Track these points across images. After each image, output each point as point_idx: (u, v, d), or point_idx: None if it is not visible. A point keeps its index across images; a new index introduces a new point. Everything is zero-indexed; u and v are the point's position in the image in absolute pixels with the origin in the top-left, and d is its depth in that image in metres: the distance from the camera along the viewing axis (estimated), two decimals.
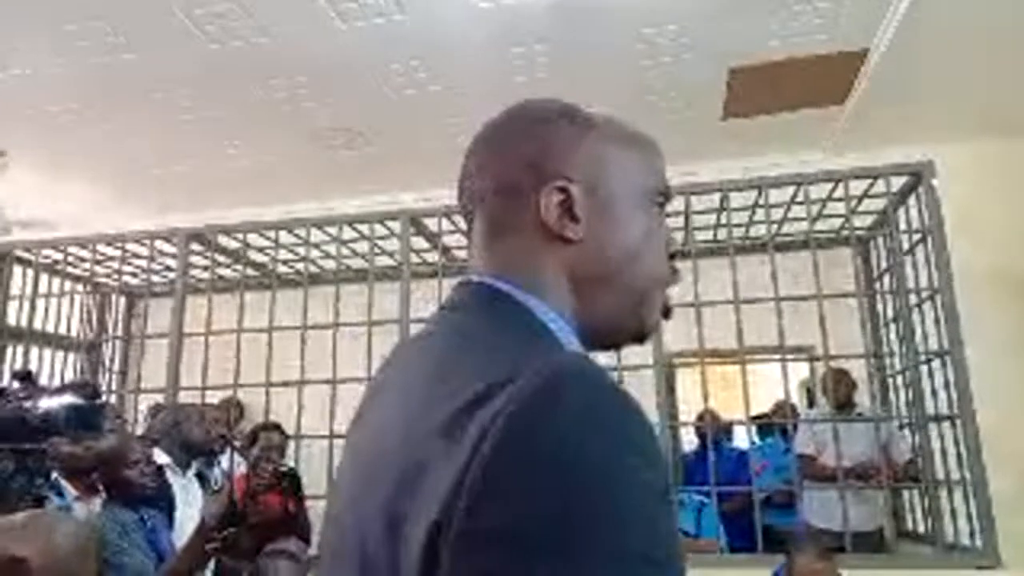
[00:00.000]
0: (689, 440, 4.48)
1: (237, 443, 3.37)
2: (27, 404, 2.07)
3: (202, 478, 2.68)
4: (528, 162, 0.59)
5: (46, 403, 2.08)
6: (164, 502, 2.39)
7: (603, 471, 0.41)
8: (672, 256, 0.63)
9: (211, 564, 2.34)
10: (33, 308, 3.73)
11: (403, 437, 0.49)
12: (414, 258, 3.50)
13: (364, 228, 3.49)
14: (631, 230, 0.59)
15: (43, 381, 3.24)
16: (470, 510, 0.41)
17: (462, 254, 3.54)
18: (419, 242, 3.60)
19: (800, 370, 4.47)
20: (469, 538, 0.41)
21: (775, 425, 3.78)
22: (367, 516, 0.48)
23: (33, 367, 3.68)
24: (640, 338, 0.62)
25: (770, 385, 4.36)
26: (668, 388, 3.23)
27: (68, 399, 2.11)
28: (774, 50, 3.09)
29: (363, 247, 3.68)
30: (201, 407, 2.92)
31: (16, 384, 2.09)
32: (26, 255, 3.83)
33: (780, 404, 3.72)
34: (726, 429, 4.25)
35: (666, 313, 0.62)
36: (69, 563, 1.24)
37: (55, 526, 1.30)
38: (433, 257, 3.77)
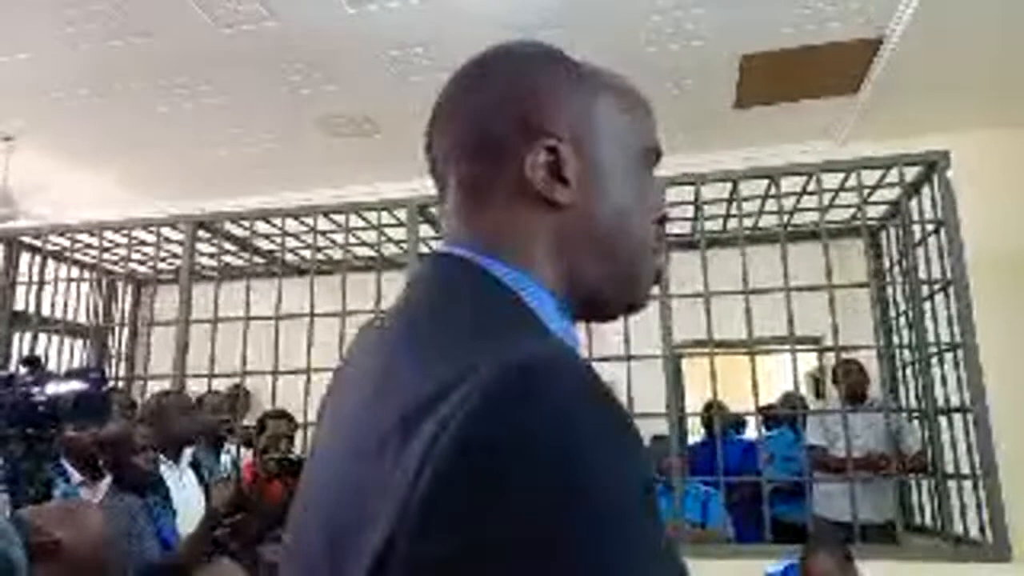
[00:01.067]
0: (695, 430, 4.47)
1: (242, 430, 3.37)
2: (35, 389, 2.07)
3: (197, 466, 2.66)
4: (513, 116, 0.52)
5: (54, 389, 2.08)
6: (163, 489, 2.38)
7: (579, 486, 0.35)
8: (661, 221, 0.57)
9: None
10: (40, 294, 3.73)
11: (348, 444, 0.44)
12: (421, 247, 3.48)
13: (372, 216, 3.47)
14: (623, 193, 0.53)
15: (50, 367, 3.24)
16: (416, 537, 0.36)
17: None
18: (426, 230, 3.58)
19: (805, 361, 4.44)
20: (414, 570, 0.36)
21: (783, 416, 3.76)
22: (311, 529, 0.44)
23: (39, 353, 3.69)
24: (632, 308, 0.56)
25: (775, 376, 4.35)
26: (676, 379, 3.21)
27: (76, 385, 2.11)
28: (788, 37, 3.05)
29: (370, 235, 3.66)
30: (189, 395, 2.90)
31: (24, 369, 2.09)
32: (34, 241, 3.83)
33: (788, 395, 3.70)
34: (738, 421, 4.24)
35: (658, 279, 0.57)
36: (99, 548, 1.27)
37: (87, 513, 1.33)
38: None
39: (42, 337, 3.97)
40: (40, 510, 1.32)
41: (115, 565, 1.33)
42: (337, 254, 3.86)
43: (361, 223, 3.57)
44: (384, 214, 3.39)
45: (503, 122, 0.52)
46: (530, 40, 0.57)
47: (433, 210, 3.45)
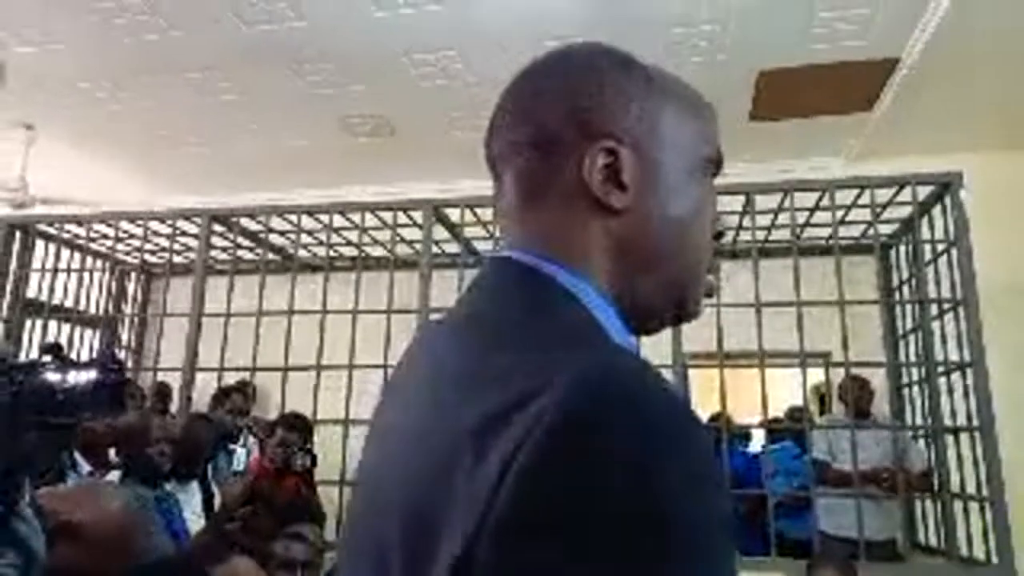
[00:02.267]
0: None
1: (248, 431, 3.38)
2: (56, 378, 2.09)
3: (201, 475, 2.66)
4: (573, 114, 0.51)
5: (74, 378, 2.10)
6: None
7: (661, 507, 0.35)
8: (718, 236, 0.56)
9: None
10: (54, 282, 3.75)
11: (418, 451, 0.43)
12: (434, 248, 3.50)
13: (386, 216, 3.49)
14: (682, 202, 0.52)
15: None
16: (494, 556, 0.35)
17: (483, 246, 3.54)
18: (440, 232, 3.60)
19: (811, 375, 4.45)
20: None
21: (788, 430, 3.77)
22: (384, 536, 0.42)
23: (51, 341, 3.71)
24: (681, 320, 0.55)
25: (779, 389, 4.35)
26: (684, 390, 3.23)
27: (95, 375, 2.12)
28: (805, 55, 3.07)
29: (384, 235, 3.68)
30: (219, 422, 2.90)
31: (46, 357, 2.11)
32: (49, 229, 3.85)
33: (794, 409, 3.71)
34: (744, 434, 4.24)
35: (709, 293, 0.56)
36: (119, 530, 1.26)
37: (106, 495, 1.33)
38: (453, 248, 3.77)
39: (52, 325, 3.99)
40: (56, 492, 1.31)
41: (139, 543, 1.32)
42: (351, 252, 3.89)
43: (376, 222, 3.60)
44: (399, 214, 3.41)
45: (564, 121, 0.51)
46: (598, 42, 0.56)
47: (448, 212, 3.47)
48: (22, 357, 3.46)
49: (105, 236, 3.95)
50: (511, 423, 0.37)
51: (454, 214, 3.42)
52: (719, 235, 0.56)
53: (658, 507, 0.35)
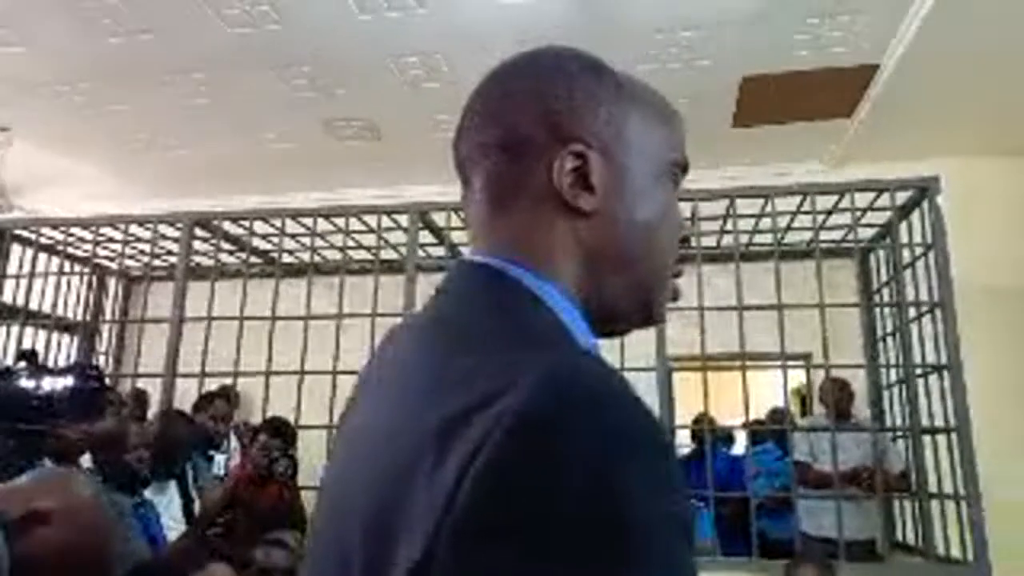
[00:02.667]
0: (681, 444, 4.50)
1: (234, 434, 3.35)
2: (30, 384, 2.06)
3: (179, 476, 2.63)
4: (544, 117, 0.51)
5: (50, 384, 2.07)
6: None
7: (621, 507, 0.35)
8: (683, 240, 0.56)
9: None
10: (30, 288, 3.69)
11: (383, 454, 0.43)
12: (420, 252, 3.50)
13: (371, 220, 3.48)
14: (649, 206, 0.52)
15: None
16: (452, 559, 0.35)
17: (469, 250, 3.54)
18: (425, 236, 3.60)
19: (792, 377, 4.50)
20: None
21: (770, 431, 3.80)
22: (347, 540, 0.42)
23: (27, 347, 3.65)
24: (646, 324, 0.55)
25: (761, 391, 4.40)
26: (668, 392, 3.24)
27: (71, 381, 2.09)
28: (787, 61, 3.11)
29: (369, 239, 3.67)
30: (190, 419, 2.86)
31: (21, 364, 2.08)
32: (25, 233, 3.79)
33: (776, 411, 3.74)
34: (727, 436, 4.27)
35: (674, 297, 0.57)
36: (87, 515, 1.24)
37: (72, 480, 1.31)
38: (439, 252, 3.76)
39: (29, 331, 3.93)
40: (23, 483, 1.27)
41: (111, 531, 1.29)
42: (335, 257, 3.87)
43: (360, 227, 3.58)
44: (384, 218, 3.40)
45: (533, 123, 0.51)
46: (569, 47, 0.56)
47: (433, 216, 3.47)
48: None
49: (84, 240, 3.89)
50: (471, 424, 0.37)
51: (440, 218, 3.42)
52: (684, 240, 0.57)
53: (617, 510, 0.35)
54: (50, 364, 3.66)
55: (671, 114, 0.57)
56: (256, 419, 3.39)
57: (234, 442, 3.33)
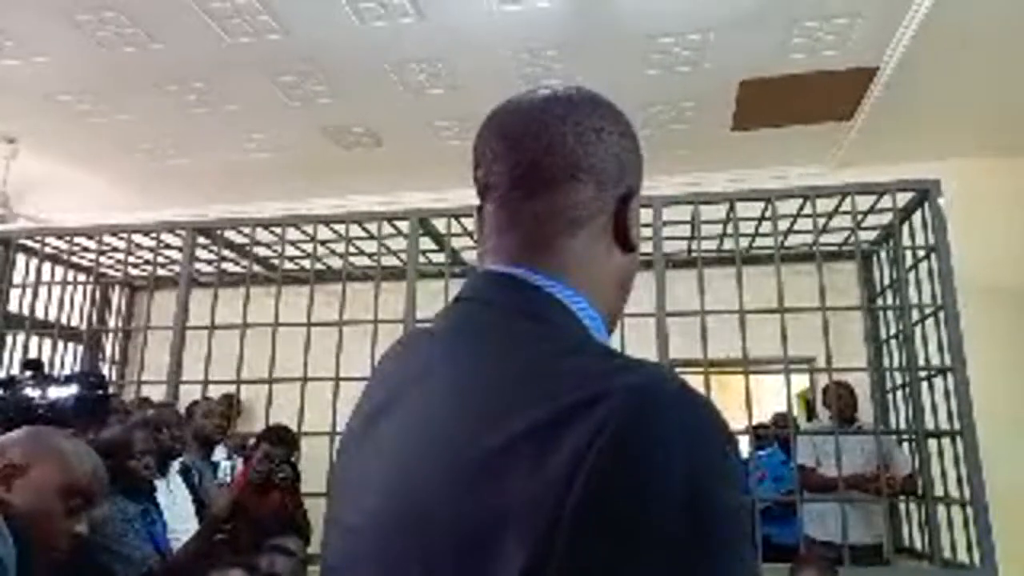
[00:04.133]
0: None
1: (231, 442, 3.35)
2: (35, 393, 2.07)
3: (186, 472, 2.64)
4: (616, 159, 0.56)
5: (54, 392, 2.08)
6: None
7: (719, 507, 0.40)
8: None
9: None
10: (36, 297, 3.72)
11: (456, 470, 0.43)
12: (421, 258, 3.51)
13: (372, 227, 3.49)
14: (637, 236, 0.59)
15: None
16: (571, 552, 0.38)
17: (469, 256, 3.55)
18: (426, 242, 3.61)
19: (796, 382, 4.49)
20: (579, 572, 0.38)
21: (774, 436, 3.79)
22: (430, 551, 0.43)
23: (32, 356, 3.67)
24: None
25: (763, 395, 4.39)
26: None
27: (75, 389, 2.10)
28: (786, 64, 3.11)
29: (370, 246, 3.68)
30: (177, 410, 2.86)
31: (26, 373, 2.09)
32: (30, 243, 3.82)
33: (780, 415, 3.73)
34: None
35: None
36: (41, 447, 1.24)
37: (52, 436, 1.31)
38: (440, 258, 3.77)
39: (35, 340, 3.95)
40: (3, 439, 1.26)
41: (90, 480, 1.28)
42: (336, 264, 3.88)
43: (361, 233, 3.59)
44: (385, 225, 3.41)
45: (610, 162, 0.56)
46: (585, 88, 0.60)
47: (434, 222, 3.48)
48: (1, 373, 3.42)
49: (88, 250, 3.92)
50: (573, 426, 0.40)
51: (440, 224, 3.43)
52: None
53: (711, 506, 0.40)
54: (56, 373, 3.68)
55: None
56: (260, 426, 3.39)
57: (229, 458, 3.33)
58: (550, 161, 0.54)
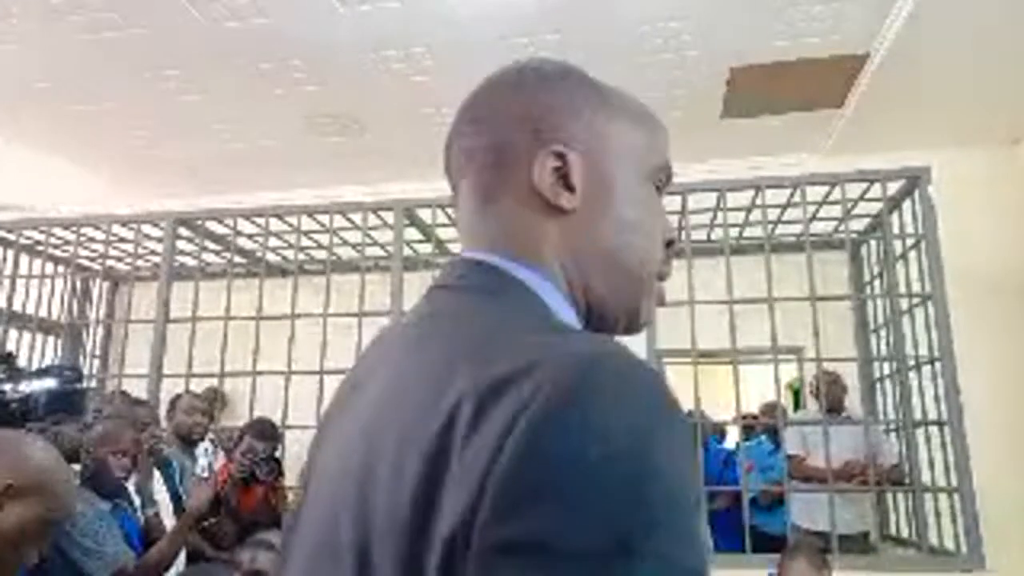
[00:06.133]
0: None
1: (213, 435, 3.30)
2: (7, 387, 2.01)
3: (165, 466, 2.60)
4: (527, 121, 0.54)
5: (27, 386, 2.02)
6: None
7: (655, 474, 0.37)
8: (669, 244, 0.58)
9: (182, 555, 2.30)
10: (12, 289, 3.64)
11: (402, 434, 0.43)
12: (406, 249, 3.46)
13: (357, 217, 3.44)
14: (630, 207, 0.54)
15: (21, 364, 3.16)
16: (497, 519, 0.36)
17: (456, 247, 3.51)
18: (412, 233, 3.56)
19: (785, 371, 4.48)
20: (496, 552, 0.36)
21: (762, 426, 3.79)
22: (367, 522, 0.43)
23: (11, 349, 3.60)
24: (631, 328, 0.57)
25: (754, 385, 4.39)
26: None
27: (50, 383, 2.05)
28: (776, 51, 3.08)
29: (355, 237, 3.63)
30: (150, 408, 2.81)
31: None
32: (7, 235, 3.74)
33: (769, 405, 3.73)
34: (719, 430, 4.26)
35: (660, 302, 0.59)
36: (42, 476, 1.22)
37: (29, 446, 1.28)
38: (426, 249, 3.73)
39: (12, 333, 3.87)
40: None
41: (67, 488, 1.28)
42: (321, 255, 3.83)
43: (346, 224, 3.54)
44: (370, 215, 3.36)
45: (517, 129, 0.54)
46: (550, 58, 0.59)
47: (420, 212, 3.43)
48: None
49: (66, 241, 3.84)
50: (505, 395, 0.39)
51: (426, 214, 3.38)
52: (670, 243, 0.58)
53: (649, 475, 0.37)
54: (34, 366, 3.61)
55: (654, 122, 0.59)
56: (243, 419, 3.35)
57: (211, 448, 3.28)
58: (498, 140, 0.54)
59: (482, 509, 0.36)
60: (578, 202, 0.53)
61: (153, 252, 3.94)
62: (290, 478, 2.90)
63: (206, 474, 2.66)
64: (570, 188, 0.53)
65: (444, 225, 3.29)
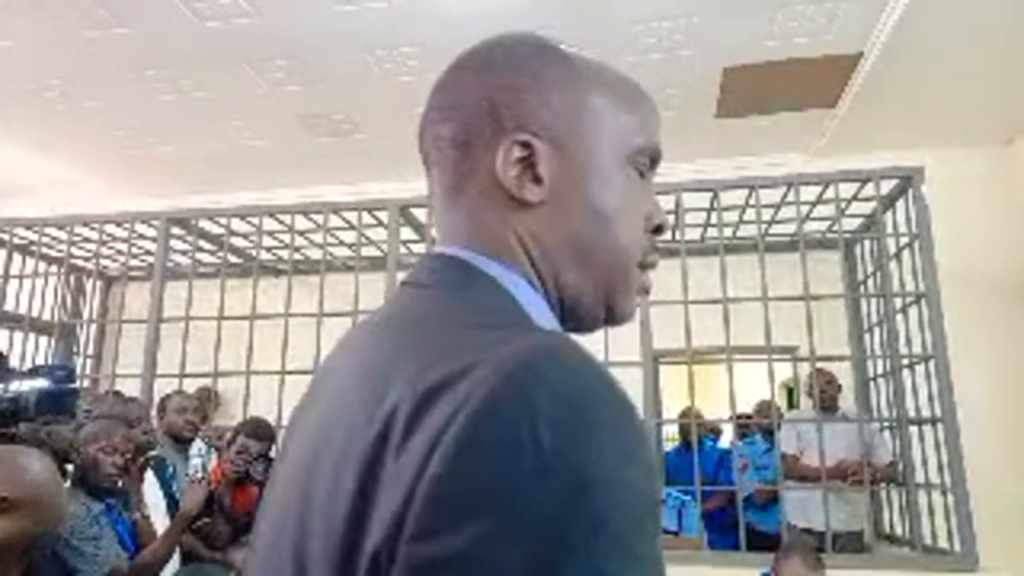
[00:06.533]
0: (670, 438, 4.49)
1: (205, 435, 3.29)
2: None
3: (159, 466, 2.59)
4: (491, 107, 0.50)
5: (17, 386, 2.01)
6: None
7: (594, 484, 0.34)
8: (657, 230, 0.54)
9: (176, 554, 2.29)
10: (5, 289, 3.62)
11: (343, 442, 0.41)
12: (401, 249, 3.45)
13: (351, 216, 3.43)
14: (607, 195, 0.50)
15: (13, 364, 3.14)
16: (419, 536, 0.34)
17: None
18: (407, 232, 3.55)
19: (779, 370, 4.49)
20: (418, 570, 0.34)
21: (757, 425, 3.79)
22: (306, 534, 0.41)
23: (3, 349, 3.57)
24: (612, 322, 0.54)
25: (749, 384, 4.40)
26: (654, 386, 3.22)
27: (41, 383, 2.04)
28: (769, 51, 3.09)
29: (350, 236, 3.62)
30: (140, 405, 2.80)
31: None
32: None
33: (763, 404, 3.73)
34: (713, 429, 4.26)
35: (644, 292, 0.55)
36: (42, 493, 1.22)
37: (25, 459, 1.28)
38: (421, 248, 3.72)
39: (4, 332, 3.85)
40: None
41: (64, 501, 1.28)
42: (315, 254, 3.82)
43: (340, 223, 3.53)
44: (364, 214, 3.35)
45: (481, 116, 0.50)
46: (524, 32, 0.54)
47: (414, 211, 3.42)
48: None
49: (59, 240, 3.82)
50: (440, 401, 0.37)
51: (421, 214, 3.38)
52: (658, 230, 0.54)
53: (588, 485, 0.34)
54: (27, 366, 3.59)
55: (637, 99, 0.54)
56: (237, 419, 3.33)
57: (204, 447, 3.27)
58: (462, 129, 0.51)
59: (407, 524, 0.34)
60: (546, 194, 0.49)
61: (146, 251, 3.93)
62: None
63: (199, 475, 2.65)
64: (537, 179, 0.49)
65: None
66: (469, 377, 0.37)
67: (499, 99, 0.50)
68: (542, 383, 0.36)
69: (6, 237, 3.69)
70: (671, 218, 3.27)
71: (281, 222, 3.56)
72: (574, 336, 0.50)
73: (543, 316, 0.49)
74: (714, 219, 3.23)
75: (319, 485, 0.42)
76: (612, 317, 0.53)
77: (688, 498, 3.11)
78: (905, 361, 3.06)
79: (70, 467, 2.19)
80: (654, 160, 0.54)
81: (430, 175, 0.54)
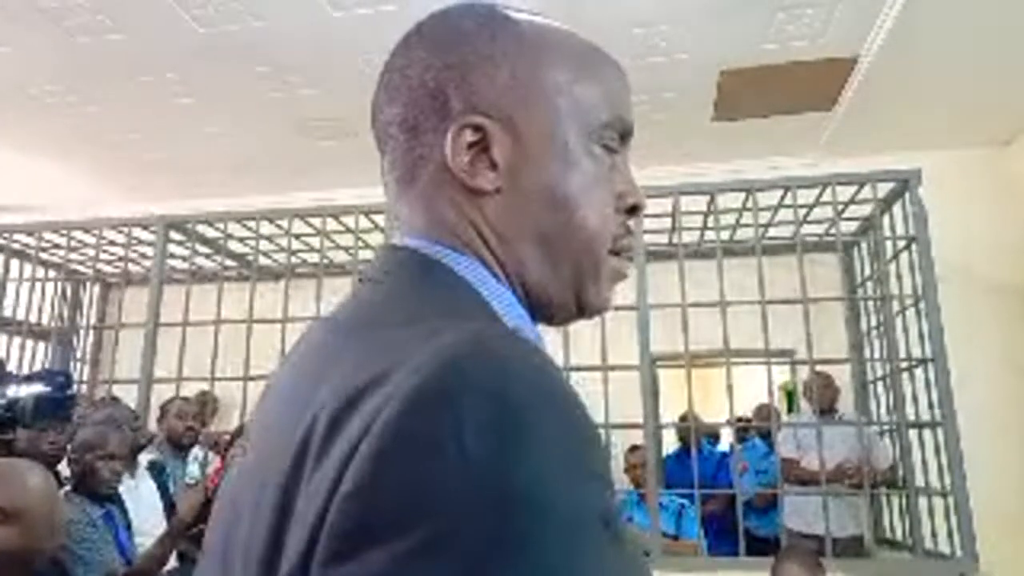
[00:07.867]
0: (668, 443, 4.47)
1: (210, 436, 3.29)
2: None
3: (159, 471, 2.58)
4: (438, 88, 0.46)
5: (14, 391, 2.00)
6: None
7: (522, 497, 0.30)
8: (632, 210, 0.49)
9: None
10: (3, 294, 3.61)
11: (270, 452, 0.38)
12: None
13: (349, 220, 3.43)
14: (567, 179, 0.46)
15: (10, 369, 3.14)
16: (328, 561, 0.31)
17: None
18: None
19: (777, 374, 4.48)
20: None
21: (756, 428, 3.79)
22: (230, 551, 0.39)
23: (0, 354, 3.57)
24: (584, 313, 0.49)
25: (748, 388, 4.39)
26: (653, 390, 3.22)
27: (38, 388, 2.03)
28: (766, 54, 3.09)
29: (347, 240, 3.61)
30: (130, 408, 2.80)
31: None
32: None
33: (762, 407, 3.72)
34: (712, 433, 4.26)
35: (620, 279, 0.50)
36: (41, 507, 1.23)
37: (25, 473, 1.28)
38: None
39: (2, 338, 3.85)
40: None
41: (63, 515, 1.29)
42: (312, 258, 3.81)
43: (338, 227, 3.53)
44: (362, 218, 3.35)
45: (426, 98, 0.46)
46: (475, 3, 0.50)
47: None
48: None
49: (57, 246, 3.82)
50: (362, 406, 0.33)
51: None
52: (633, 209, 0.49)
53: (519, 501, 0.30)
54: (24, 372, 3.58)
55: (600, 68, 0.49)
56: (235, 424, 3.33)
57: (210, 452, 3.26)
58: (408, 113, 0.47)
59: (319, 547, 0.31)
60: (503, 180, 0.45)
61: (144, 256, 3.92)
62: None
63: (194, 480, 2.64)
64: (492, 164, 0.45)
65: None
66: (390, 380, 0.33)
67: (444, 78, 0.46)
68: (470, 382, 0.32)
69: (4, 242, 3.69)
70: (668, 221, 3.28)
71: (279, 226, 3.56)
72: (571, 334, 0.48)
73: (510, 309, 0.45)
74: (711, 222, 3.23)
75: (246, 499, 0.39)
76: (583, 309, 0.49)
77: (687, 501, 3.10)
78: (904, 364, 3.05)
79: (65, 472, 2.19)
80: (625, 134, 0.49)
81: (383, 161, 0.50)
